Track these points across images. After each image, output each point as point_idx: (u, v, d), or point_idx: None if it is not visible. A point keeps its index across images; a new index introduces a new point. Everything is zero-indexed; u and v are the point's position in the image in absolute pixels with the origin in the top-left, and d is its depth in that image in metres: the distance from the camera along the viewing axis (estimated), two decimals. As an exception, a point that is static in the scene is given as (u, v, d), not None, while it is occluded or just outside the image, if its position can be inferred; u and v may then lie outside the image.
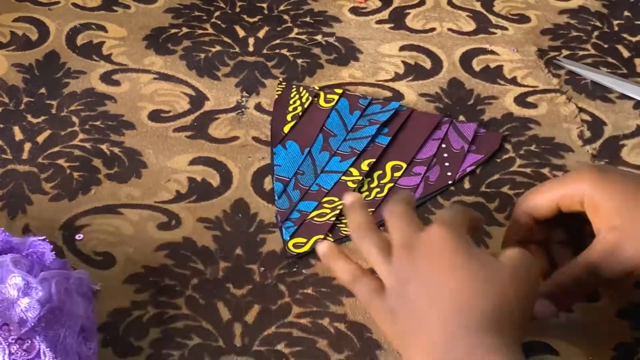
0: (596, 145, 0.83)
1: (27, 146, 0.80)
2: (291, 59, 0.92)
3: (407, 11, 0.99)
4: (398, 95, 0.88)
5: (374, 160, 0.80)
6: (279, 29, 0.95)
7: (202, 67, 0.90)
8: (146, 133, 0.82)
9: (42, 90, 0.86)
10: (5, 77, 0.88)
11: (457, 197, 0.78)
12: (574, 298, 0.67)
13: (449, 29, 0.96)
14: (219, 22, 0.96)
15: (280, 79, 0.89)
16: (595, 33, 0.96)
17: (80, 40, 0.93)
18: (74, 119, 0.83)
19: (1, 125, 0.82)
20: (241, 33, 0.95)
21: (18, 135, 0.81)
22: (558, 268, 0.66)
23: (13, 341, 0.57)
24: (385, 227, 0.63)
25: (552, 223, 0.68)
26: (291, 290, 0.70)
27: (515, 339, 0.57)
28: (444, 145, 0.82)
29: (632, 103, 0.88)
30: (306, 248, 0.73)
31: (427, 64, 0.92)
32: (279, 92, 0.87)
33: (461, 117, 0.85)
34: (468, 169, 0.80)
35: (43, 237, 0.65)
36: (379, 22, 0.97)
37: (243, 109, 0.86)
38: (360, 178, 0.78)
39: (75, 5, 0.97)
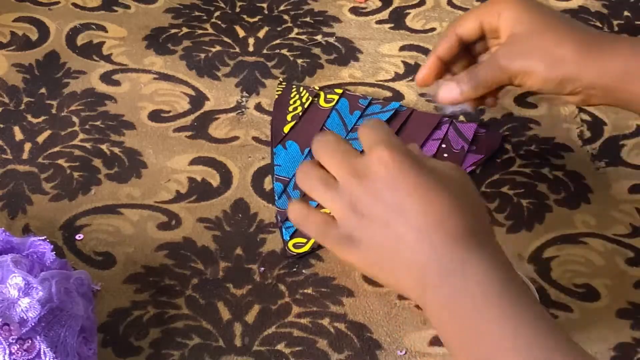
0: (596, 145, 0.83)
1: (27, 146, 0.80)
2: (291, 59, 0.92)
3: (407, 11, 0.99)
4: (398, 95, 0.88)
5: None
6: (279, 29, 0.95)
7: (202, 67, 0.90)
8: (146, 133, 0.82)
9: (42, 90, 0.86)
10: (5, 77, 0.88)
11: (457, 197, 0.78)
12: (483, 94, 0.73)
13: (449, 29, 0.96)
14: (219, 22, 0.96)
15: (280, 79, 0.89)
16: (595, 33, 0.96)
17: (81, 40, 0.93)
18: (74, 119, 0.83)
19: (1, 125, 0.82)
20: (241, 33, 0.95)
21: (18, 135, 0.81)
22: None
23: (13, 341, 0.57)
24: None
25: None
26: (291, 290, 0.70)
27: (496, 247, 0.58)
28: (444, 145, 0.82)
29: (632, 103, 0.88)
30: (306, 248, 0.73)
31: (427, 64, 0.91)
32: (279, 92, 0.87)
33: (461, 117, 0.85)
34: (468, 169, 0.80)
35: (43, 237, 0.65)
36: (379, 22, 0.97)
37: (243, 109, 0.86)
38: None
39: (75, 5, 0.97)
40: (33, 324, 0.57)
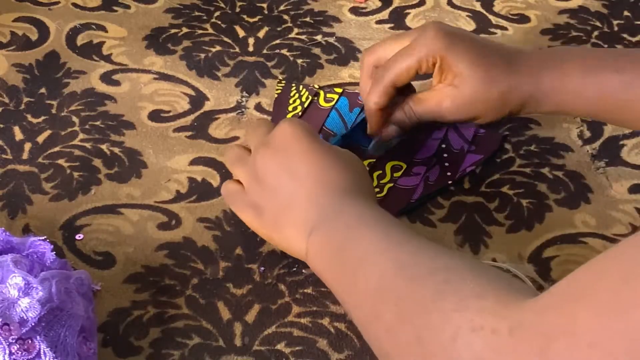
0: (596, 145, 0.83)
1: (27, 146, 0.80)
2: (291, 59, 0.92)
3: (407, 11, 0.99)
4: (398, 95, 0.88)
5: (374, 160, 0.80)
6: (279, 29, 0.96)
7: (202, 67, 0.90)
8: (146, 133, 0.82)
9: (42, 90, 0.86)
10: (5, 77, 0.88)
11: (457, 197, 0.78)
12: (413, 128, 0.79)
13: (449, 29, 0.96)
14: (219, 22, 0.96)
15: (280, 78, 0.89)
16: (595, 33, 0.96)
17: (80, 40, 0.93)
18: (74, 119, 0.83)
19: (1, 125, 0.82)
20: (241, 33, 0.95)
21: (18, 135, 0.81)
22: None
23: (13, 341, 0.57)
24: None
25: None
26: (291, 290, 0.70)
27: (373, 203, 0.66)
28: (443, 145, 0.82)
29: (632, 103, 0.88)
30: (306, 248, 0.73)
31: (427, 64, 0.91)
32: (279, 91, 0.87)
33: (461, 117, 0.85)
34: (468, 169, 0.80)
35: (43, 237, 0.65)
36: (379, 22, 0.97)
37: (243, 109, 0.86)
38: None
39: (75, 5, 0.97)
40: (33, 324, 0.57)
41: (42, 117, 0.83)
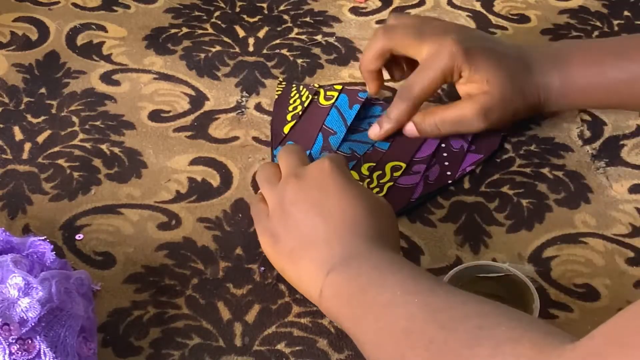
0: (596, 145, 0.83)
1: (27, 146, 0.80)
2: (291, 59, 0.92)
3: (407, 11, 0.99)
4: (398, 95, 0.88)
5: (374, 164, 0.80)
6: (279, 29, 0.95)
7: (202, 67, 0.90)
8: (146, 133, 0.82)
9: (42, 90, 0.86)
10: (5, 77, 0.88)
11: (457, 197, 0.78)
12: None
13: (449, 29, 0.96)
14: (219, 22, 0.96)
15: (280, 79, 0.89)
16: (595, 33, 0.96)
17: (80, 40, 0.93)
18: (74, 119, 0.83)
19: (1, 125, 0.82)
20: (241, 33, 0.95)
21: (18, 135, 0.81)
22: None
23: (13, 341, 0.57)
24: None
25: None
26: (291, 290, 0.70)
27: (399, 255, 0.65)
28: (443, 145, 0.82)
29: (632, 103, 0.88)
30: (306, 248, 0.73)
31: (427, 64, 0.91)
32: (279, 92, 0.87)
33: (461, 117, 0.85)
34: (468, 169, 0.80)
35: (43, 237, 0.65)
36: (379, 22, 0.97)
37: (243, 109, 0.86)
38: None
39: (75, 5, 0.97)
40: (33, 324, 0.57)
41: (42, 117, 0.83)
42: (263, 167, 0.71)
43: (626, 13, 0.99)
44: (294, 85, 0.87)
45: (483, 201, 0.77)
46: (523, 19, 0.98)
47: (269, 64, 0.91)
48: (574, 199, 0.78)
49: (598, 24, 0.98)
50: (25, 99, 0.85)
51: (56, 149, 0.80)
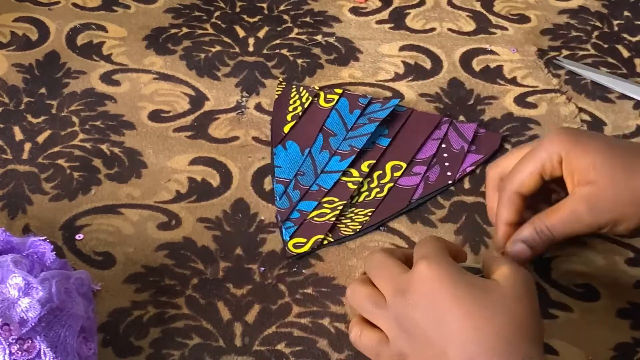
0: (596, 145, 0.83)
1: (27, 146, 0.80)
2: (291, 59, 0.92)
3: (407, 11, 0.99)
4: (398, 96, 0.88)
5: (374, 162, 0.80)
6: (279, 29, 0.95)
7: (202, 67, 0.90)
8: (146, 133, 0.82)
9: (42, 90, 0.86)
10: (5, 77, 0.88)
11: (457, 197, 0.78)
12: (546, 248, 0.68)
13: (449, 29, 0.96)
14: (219, 22, 0.96)
15: (280, 79, 0.89)
16: (595, 33, 0.96)
17: (80, 40, 0.93)
18: (74, 119, 0.83)
19: (1, 125, 0.82)
20: (241, 33, 0.95)
21: (18, 135, 0.81)
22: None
23: (13, 341, 0.57)
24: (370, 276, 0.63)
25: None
26: (291, 290, 0.70)
27: (532, 355, 0.57)
28: (443, 145, 0.82)
29: (632, 103, 0.88)
30: (306, 248, 0.73)
31: (427, 64, 0.92)
32: (279, 92, 0.87)
33: (461, 117, 0.85)
34: (468, 169, 0.80)
35: (43, 237, 0.65)
36: (379, 22, 0.97)
37: (243, 109, 0.86)
38: (360, 180, 0.78)
39: (75, 5, 0.97)
40: (33, 324, 0.57)
41: (42, 117, 0.83)
42: (358, 288, 0.63)
43: (626, 13, 0.99)
44: (294, 86, 0.87)
45: (483, 201, 0.77)
46: (523, 19, 0.98)
47: (269, 64, 0.91)
48: (574, 199, 0.78)
49: (598, 24, 0.98)
50: (25, 99, 0.85)
51: (56, 149, 0.80)
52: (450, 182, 0.79)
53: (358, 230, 0.75)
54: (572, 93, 0.89)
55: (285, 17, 0.97)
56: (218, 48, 0.92)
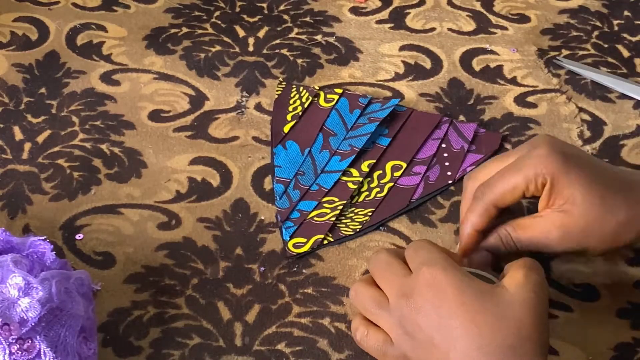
0: (596, 145, 0.83)
1: (27, 146, 0.80)
2: (291, 59, 0.92)
3: (407, 11, 0.99)
4: (398, 95, 0.88)
5: (374, 161, 0.80)
6: (279, 29, 0.95)
7: (202, 67, 0.90)
8: (146, 133, 0.82)
9: (42, 90, 0.86)
10: (5, 77, 0.88)
11: (457, 197, 0.78)
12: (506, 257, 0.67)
13: (449, 29, 0.96)
14: (219, 22, 0.96)
15: (280, 79, 0.89)
16: (595, 33, 0.96)
17: (80, 40, 0.93)
18: (74, 119, 0.83)
19: (1, 125, 0.82)
20: (241, 33, 0.95)
21: (18, 135, 0.81)
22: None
23: (13, 341, 0.57)
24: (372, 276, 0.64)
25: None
26: (291, 290, 0.70)
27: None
28: (444, 145, 0.82)
29: (632, 103, 0.88)
30: (306, 248, 0.73)
31: (427, 63, 0.92)
32: (279, 92, 0.87)
33: (461, 117, 0.85)
34: (468, 169, 0.80)
35: (43, 237, 0.65)
36: (379, 22, 0.97)
37: (243, 109, 0.86)
38: (360, 179, 0.78)
39: (75, 5, 0.97)
40: (33, 324, 0.57)
41: (42, 117, 0.83)
42: (359, 290, 0.63)
43: (626, 13, 0.99)
44: (294, 86, 0.87)
45: (483, 201, 0.77)
46: (523, 19, 0.98)
47: (269, 64, 0.91)
48: (574, 199, 0.78)
49: (598, 24, 0.98)
50: (25, 99, 0.85)
51: (56, 149, 0.80)
52: (450, 182, 0.79)
53: (358, 230, 0.75)
54: (572, 93, 0.89)
55: (285, 17, 0.97)
56: (218, 48, 0.92)
